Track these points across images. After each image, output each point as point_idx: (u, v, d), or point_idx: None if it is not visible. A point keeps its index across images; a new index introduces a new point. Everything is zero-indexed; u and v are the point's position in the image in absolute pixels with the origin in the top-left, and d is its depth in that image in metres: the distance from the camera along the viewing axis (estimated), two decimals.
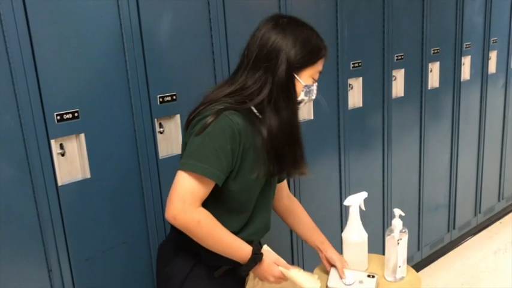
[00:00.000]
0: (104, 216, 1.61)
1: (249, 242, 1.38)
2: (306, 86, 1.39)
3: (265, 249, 1.44)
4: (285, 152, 1.36)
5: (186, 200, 1.26)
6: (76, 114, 1.50)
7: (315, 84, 1.42)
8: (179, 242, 1.41)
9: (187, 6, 1.72)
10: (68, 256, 1.53)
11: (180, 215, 1.26)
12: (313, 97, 1.43)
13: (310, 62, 1.38)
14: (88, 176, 1.55)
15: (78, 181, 1.54)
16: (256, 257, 1.37)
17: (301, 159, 1.41)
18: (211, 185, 1.29)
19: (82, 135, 1.52)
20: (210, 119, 1.27)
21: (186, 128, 1.38)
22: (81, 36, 1.48)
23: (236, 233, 1.38)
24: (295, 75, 1.36)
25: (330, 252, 1.68)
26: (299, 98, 1.39)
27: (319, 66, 1.41)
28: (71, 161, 1.53)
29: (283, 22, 1.37)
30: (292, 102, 1.37)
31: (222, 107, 1.30)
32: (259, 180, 1.39)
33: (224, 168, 1.28)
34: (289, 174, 1.46)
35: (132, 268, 1.71)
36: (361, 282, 1.61)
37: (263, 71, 1.33)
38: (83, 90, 1.51)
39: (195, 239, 1.30)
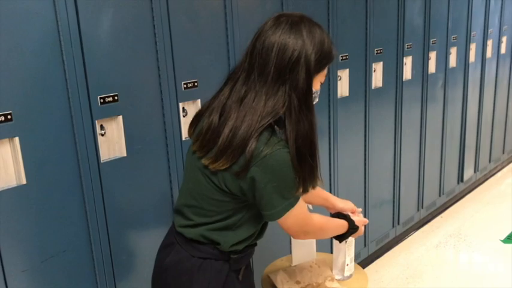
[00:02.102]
0: (42, 224, 1.52)
1: (254, 245, 1.47)
2: (315, 91, 1.32)
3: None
4: (302, 166, 1.27)
5: (307, 225, 1.40)
6: (9, 117, 1.40)
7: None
8: (206, 255, 1.36)
9: (129, 4, 1.66)
10: (2, 268, 1.44)
11: (309, 235, 1.47)
12: (316, 101, 1.35)
13: (323, 66, 1.30)
14: (23, 182, 1.46)
15: (13, 188, 1.45)
16: (354, 231, 1.60)
17: (315, 173, 1.31)
18: None
19: (16, 139, 1.43)
20: (274, 162, 1.23)
21: (221, 163, 1.26)
22: (14, 33, 1.39)
23: (252, 236, 1.41)
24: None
25: (336, 205, 1.73)
26: None
27: (326, 70, 1.33)
28: (5, 167, 1.44)
29: (297, 22, 1.26)
30: (310, 112, 1.28)
31: (274, 147, 1.23)
32: None
33: None
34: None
35: (74, 278, 1.63)
36: None
37: (288, 84, 1.24)
38: (16, 91, 1.42)
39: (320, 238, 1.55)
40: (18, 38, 1.40)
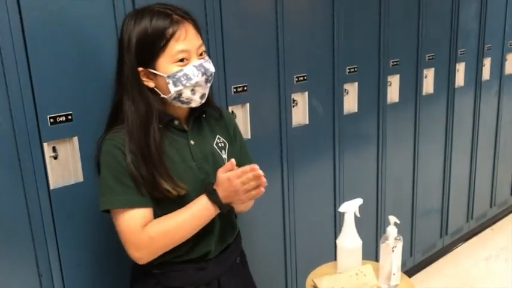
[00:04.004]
0: (96, 220, 1.58)
1: (207, 254, 1.36)
2: (169, 76, 1.24)
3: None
4: (141, 169, 1.23)
5: (131, 240, 1.25)
6: (70, 117, 1.47)
7: (188, 67, 1.24)
8: (134, 269, 1.42)
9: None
10: (59, 261, 1.51)
11: (138, 254, 1.26)
12: (194, 81, 1.25)
13: (157, 51, 1.22)
14: (81, 179, 1.53)
15: (71, 185, 1.52)
16: (208, 188, 1.27)
17: (159, 170, 1.24)
18: (141, 210, 1.25)
19: (75, 138, 1.50)
20: (98, 153, 1.29)
21: None
22: (75, 38, 1.46)
23: (189, 250, 1.33)
24: (152, 70, 1.24)
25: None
26: (172, 93, 1.25)
27: (174, 47, 1.22)
28: (64, 165, 1.51)
29: (124, 20, 1.27)
30: (140, 99, 1.25)
31: (106, 136, 1.29)
32: (188, 183, 1.29)
33: (137, 188, 1.24)
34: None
35: (125, 273, 1.69)
36: None
37: (121, 72, 1.27)
38: (76, 93, 1.48)
39: (167, 249, 1.28)
40: (78, 42, 1.47)
